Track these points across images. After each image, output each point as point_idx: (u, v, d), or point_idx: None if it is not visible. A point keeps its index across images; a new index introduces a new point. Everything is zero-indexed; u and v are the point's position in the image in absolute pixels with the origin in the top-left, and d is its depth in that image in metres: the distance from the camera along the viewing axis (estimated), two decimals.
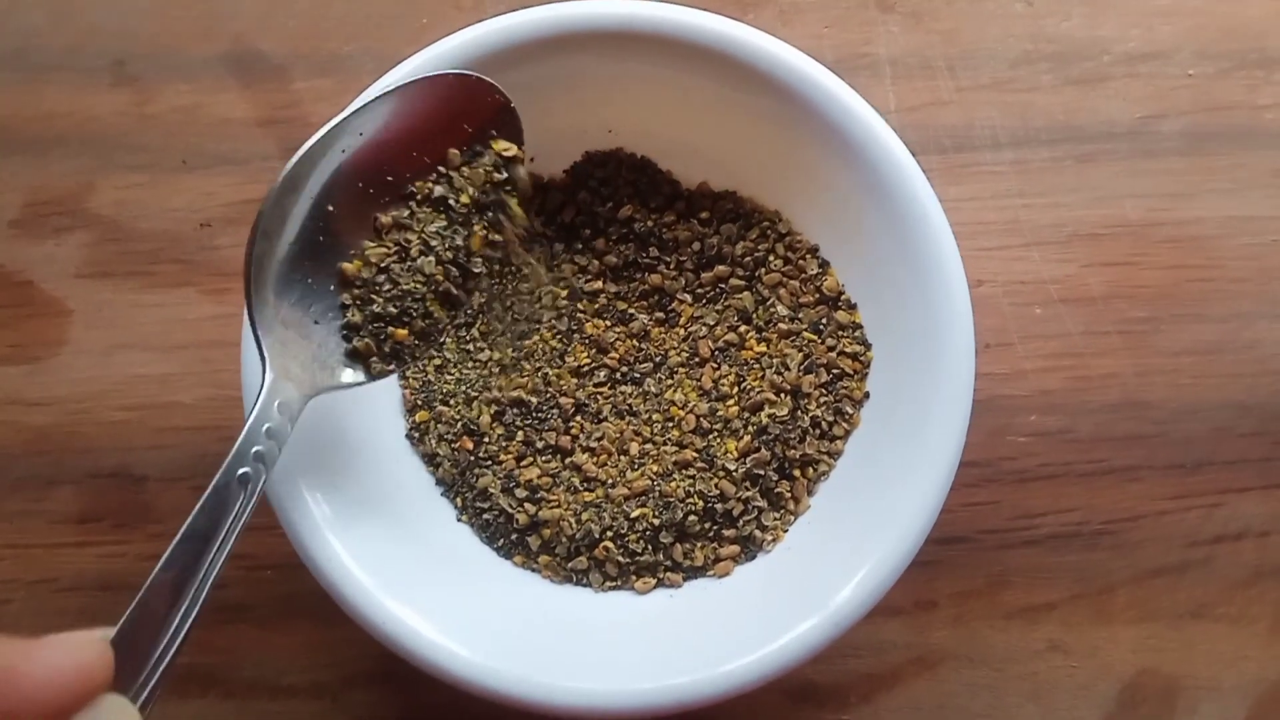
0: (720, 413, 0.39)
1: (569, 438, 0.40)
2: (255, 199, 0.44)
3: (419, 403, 0.40)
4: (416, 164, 0.35)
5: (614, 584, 0.38)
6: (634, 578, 0.38)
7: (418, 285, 0.35)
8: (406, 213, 0.35)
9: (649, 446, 0.40)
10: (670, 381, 0.41)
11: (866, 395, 0.39)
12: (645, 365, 0.41)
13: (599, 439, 0.40)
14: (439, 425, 0.39)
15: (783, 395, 0.39)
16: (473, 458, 0.39)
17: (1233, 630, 0.42)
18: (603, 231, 0.42)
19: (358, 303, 0.34)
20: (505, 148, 0.36)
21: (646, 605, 0.38)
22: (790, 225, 0.40)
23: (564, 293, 0.41)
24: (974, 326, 0.35)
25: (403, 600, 0.34)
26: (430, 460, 0.39)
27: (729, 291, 0.41)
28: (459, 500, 0.39)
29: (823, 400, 0.39)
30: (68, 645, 0.25)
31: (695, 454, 0.39)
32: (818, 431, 0.38)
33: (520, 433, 0.40)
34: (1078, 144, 0.45)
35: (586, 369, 0.41)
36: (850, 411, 0.39)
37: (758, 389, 0.39)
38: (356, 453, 0.37)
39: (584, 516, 0.38)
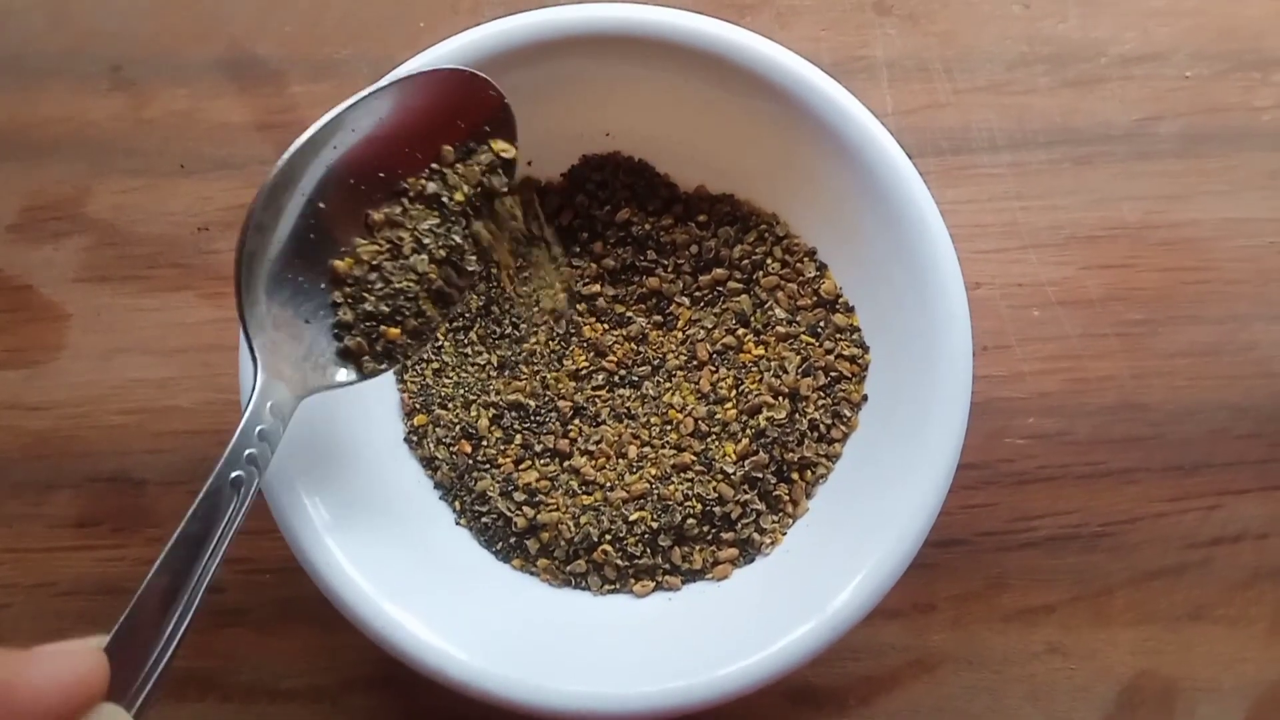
0: (718, 416, 0.39)
1: (567, 441, 0.40)
2: None
3: (417, 406, 0.40)
4: (410, 160, 0.35)
5: (612, 587, 0.38)
6: (632, 581, 0.38)
7: (410, 284, 0.34)
8: (399, 210, 0.34)
9: (647, 449, 0.40)
10: (668, 385, 0.41)
11: (864, 398, 0.39)
12: (643, 368, 0.41)
13: (597, 442, 0.40)
14: (437, 429, 0.39)
15: (781, 398, 0.39)
16: (471, 461, 0.39)
17: (1231, 632, 0.42)
18: (600, 235, 0.42)
19: (349, 301, 0.34)
20: (503, 149, 0.36)
21: (645, 608, 0.38)
22: (788, 228, 0.41)
23: (563, 295, 0.41)
24: (971, 329, 0.35)
25: (401, 604, 0.34)
26: (428, 464, 0.39)
27: (727, 294, 0.41)
28: (457, 503, 0.39)
29: (821, 403, 0.39)
30: (62, 656, 0.25)
31: (693, 457, 0.39)
32: (816, 434, 0.38)
33: (519, 436, 0.40)
34: (1075, 146, 0.45)
35: (585, 372, 0.41)
36: (848, 414, 0.39)
37: (756, 392, 0.39)
38: (355, 456, 0.37)
39: (582, 520, 0.38)
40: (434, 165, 0.35)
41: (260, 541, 0.38)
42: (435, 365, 0.40)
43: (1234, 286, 0.44)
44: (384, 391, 0.40)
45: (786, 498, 0.38)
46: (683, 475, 0.39)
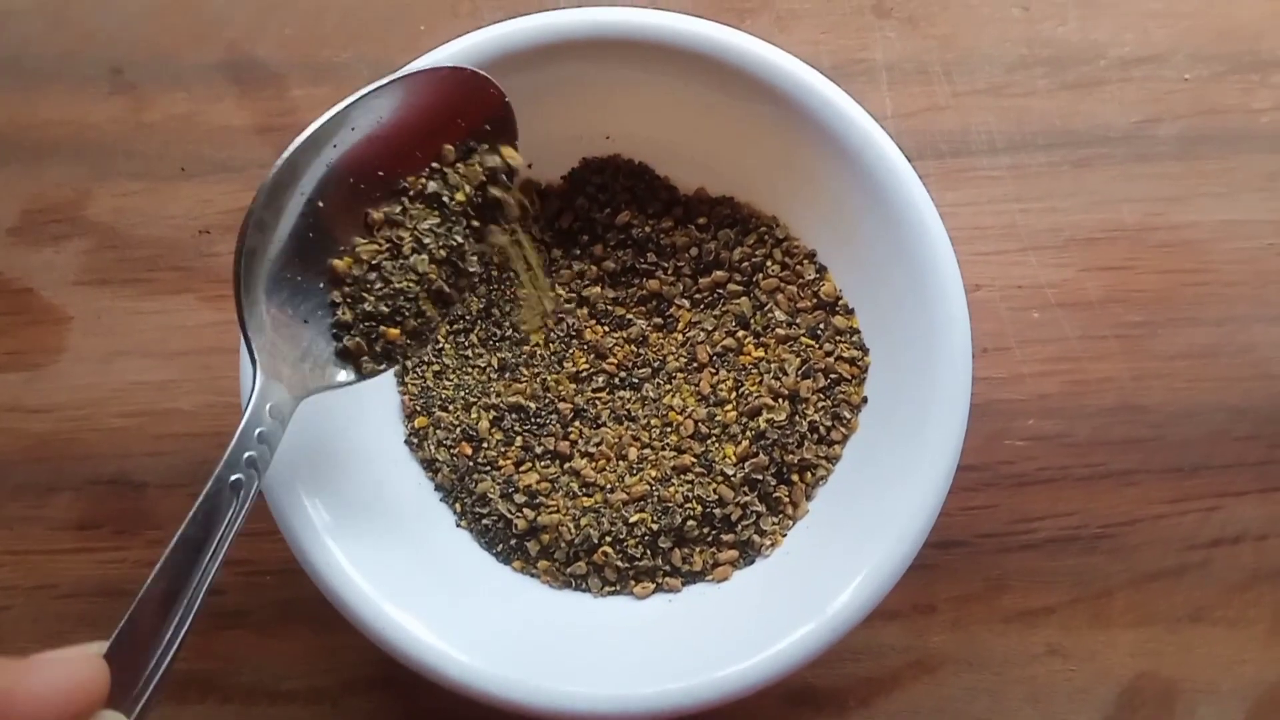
0: (718, 418, 0.40)
1: (568, 443, 0.40)
2: None
3: (418, 408, 0.40)
4: (410, 159, 0.34)
5: (613, 589, 0.38)
6: (632, 582, 0.38)
7: (410, 284, 0.34)
8: (399, 209, 0.34)
9: (647, 451, 0.40)
10: (668, 387, 0.41)
11: (864, 400, 0.39)
12: (643, 370, 0.41)
13: (598, 444, 0.40)
14: (438, 431, 0.40)
15: (781, 400, 0.39)
16: (471, 463, 0.39)
17: (1231, 633, 0.42)
18: (601, 237, 0.42)
19: (348, 301, 0.34)
20: (512, 155, 0.35)
21: (645, 610, 0.38)
22: (788, 230, 0.41)
23: (563, 297, 0.41)
24: (971, 331, 0.35)
25: (402, 605, 0.34)
26: (429, 466, 0.40)
27: (727, 297, 0.41)
28: (458, 505, 0.39)
29: (821, 405, 0.39)
30: (62, 663, 0.25)
31: (693, 459, 0.39)
32: (816, 436, 0.39)
33: (519, 438, 0.40)
34: (1074, 148, 0.45)
35: (585, 374, 0.41)
36: (848, 416, 0.39)
37: (756, 394, 0.39)
38: (356, 459, 0.37)
39: (583, 521, 0.38)
40: (434, 164, 0.35)
41: (261, 543, 0.39)
42: (436, 367, 0.40)
43: (1232, 288, 0.44)
44: (385, 394, 0.40)
45: (786, 499, 0.38)
46: (683, 477, 0.39)
